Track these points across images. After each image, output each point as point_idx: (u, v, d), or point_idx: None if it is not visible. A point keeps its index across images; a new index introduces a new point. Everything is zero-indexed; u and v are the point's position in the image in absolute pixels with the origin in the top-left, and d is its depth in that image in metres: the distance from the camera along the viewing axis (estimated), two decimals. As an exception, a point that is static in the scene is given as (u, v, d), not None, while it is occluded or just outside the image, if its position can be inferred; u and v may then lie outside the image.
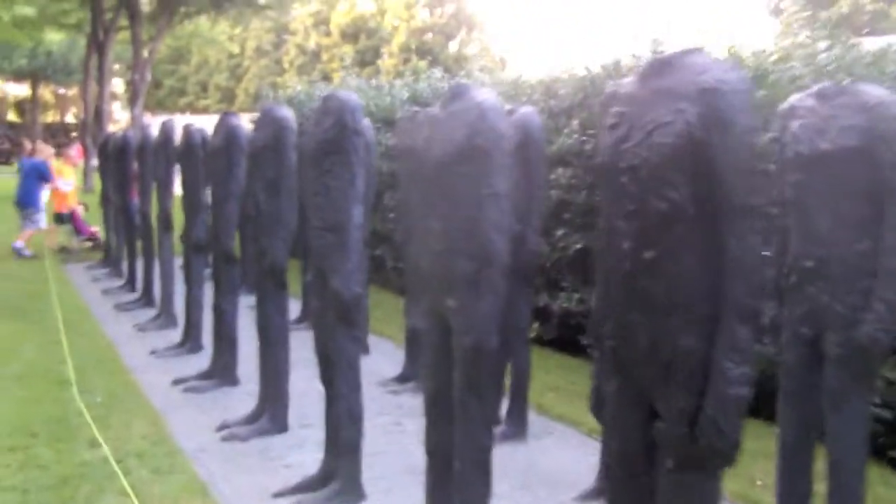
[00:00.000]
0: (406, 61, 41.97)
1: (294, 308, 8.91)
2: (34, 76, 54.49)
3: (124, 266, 13.15)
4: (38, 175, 15.85)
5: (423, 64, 31.26)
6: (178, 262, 10.39)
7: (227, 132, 7.36)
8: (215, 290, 7.80)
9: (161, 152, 9.89)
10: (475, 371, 3.98)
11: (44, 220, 16.18)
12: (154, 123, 12.04)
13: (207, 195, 8.49)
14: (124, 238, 12.94)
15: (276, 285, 6.37)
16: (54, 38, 45.38)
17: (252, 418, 6.62)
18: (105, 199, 14.79)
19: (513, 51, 45.89)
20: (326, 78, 22.03)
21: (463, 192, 3.90)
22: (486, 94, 3.99)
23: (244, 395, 7.37)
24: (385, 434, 6.53)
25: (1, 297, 11.53)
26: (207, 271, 8.98)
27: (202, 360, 8.42)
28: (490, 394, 4.08)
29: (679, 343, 2.80)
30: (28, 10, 29.87)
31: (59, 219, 16.90)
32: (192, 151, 8.60)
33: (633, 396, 3.03)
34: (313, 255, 5.30)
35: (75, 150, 24.81)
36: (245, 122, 9.17)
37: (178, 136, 9.81)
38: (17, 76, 55.34)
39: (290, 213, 6.26)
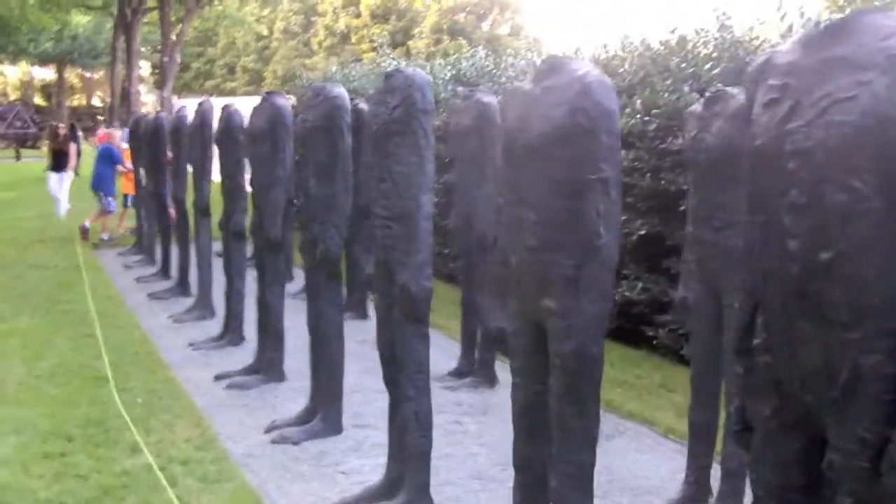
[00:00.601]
0: (438, 42, 41.42)
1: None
2: (60, 60, 54.33)
3: (158, 253, 12.75)
4: (109, 159, 15.54)
5: (462, 43, 30.68)
6: (214, 248, 9.94)
7: (272, 113, 6.89)
8: (259, 280, 7.35)
9: (198, 135, 9.41)
10: (576, 380, 3.51)
11: (114, 204, 15.82)
12: (180, 106, 11.50)
13: (246, 180, 8.09)
14: (157, 224, 12.48)
15: (328, 276, 5.90)
16: (80, 20, 45.20)
17: (303, 419, 6.18)
18: (136, 184, 14.41)
19: (547, 31, 45.10)
20: (357, 60, 21.52)
21: (563, 178, 3.41)
22: (587, 67, 3.50)
23: (292, 393, 6.95)
24: (446, 434, 6.05)
25: (32, 286, 11.10)
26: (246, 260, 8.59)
27: (244, 354, 8.00)
28: (592, 404, 3.59)
29: (861, 361, 2.29)
30: (55, -8, 29.63)
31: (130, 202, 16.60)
32: (231, 134, 8.13)
33: (795, 421, 2.53)
34: (377, 246, 4.83)
35: (100, 133, 24.47)
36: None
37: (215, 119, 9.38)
38: (43, 60, 55.15)
39: (344, 198, 5.79)
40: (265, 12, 48.13)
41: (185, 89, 55.20)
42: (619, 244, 3.50)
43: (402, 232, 4.59)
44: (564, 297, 3.45)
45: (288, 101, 7.10)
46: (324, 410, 6.05)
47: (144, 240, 13.63)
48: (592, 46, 9.87)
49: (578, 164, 3.38)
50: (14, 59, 55.27)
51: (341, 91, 5.83)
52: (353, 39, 47.69)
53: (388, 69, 4.85)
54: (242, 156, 8.20)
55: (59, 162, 17.87)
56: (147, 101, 48.57)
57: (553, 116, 3.42)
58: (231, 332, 8.45)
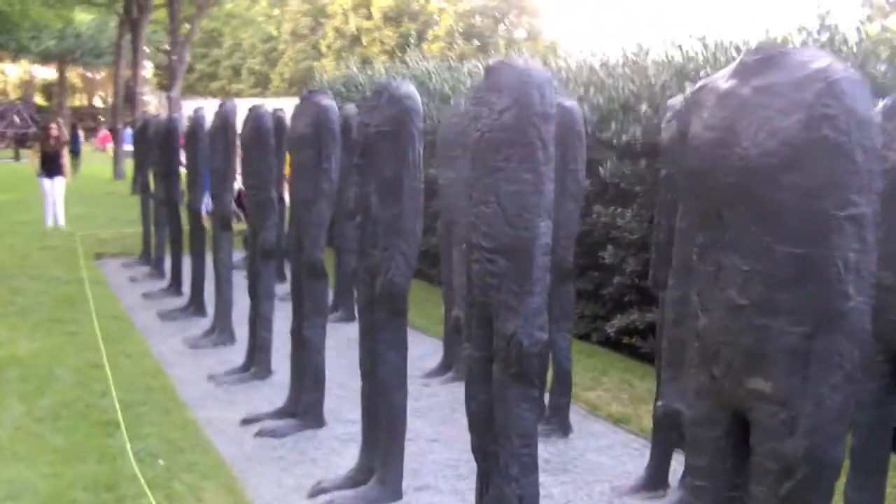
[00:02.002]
0: (452, 45, 40.36)
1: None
2: (62, 58, 53.23)
3: (167, 265, 11.74)
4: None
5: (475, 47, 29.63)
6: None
7: (317, 115, 5.91)
8: (296, 310, 6.34)
9: (220, 139, 8.38)
10: (799, 493, 2.48)
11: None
12: (197, 107, 10.44)
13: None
14: (168, 235, 11.44)
15: (391, 313, 4.87)
16: (84, 18, 44.16)
17: (355, 479, 5.17)
18: (143, 190, 13.40)
19: (563, 36, 43.86)
20: (366, 62, 20.53)
21: (794, 213, 2.39)
22: (825, 58, 2.47)
23: (335, 442, 5.98)
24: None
25: (32, 302, 10.05)
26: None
27: (272, 391, 7.02)
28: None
29: None
30: (58, -12, 28.61)
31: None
32: (261, 138, 7.11)
33: None
34: (474, 285, 3.80)
35: (101, 135, 23.51)
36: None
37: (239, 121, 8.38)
38: (45, 58, 54.06)
39: (413, 220, 4.76)
40: (274, 12, 47.03)
41: (188, 91, 54.11)
42: (871, 305, 2.47)
43: (511, 269, 3.59)
44: (787, 378, 2.44)
45: (333, 103, 6.08)
46: (382, 471, 5.01)
47: (153, 251, 12.57)
48: (661, 44, 8.80)
49: (819, 195, 2.36)
50: (15, 57, 54.23)
51: (411, 90, 4.81)
52: (365, 42, 46.61)
53: (490, 61, 3.82)
54: (273, 163, 7.20)
55: (50, 167, 16.70)
56: (150, 102, 47.52)
57: (780, 128, 2.40)
58: (257, 365, 7.42)
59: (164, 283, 11.60)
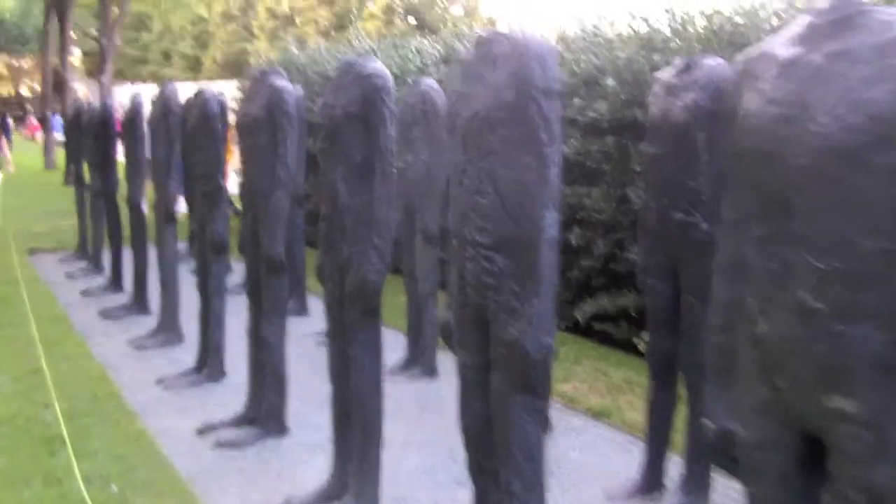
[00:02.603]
0: (389, 23, 39.68)
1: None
2: (-14, 46, 51.70)
3: (105, 260, 11.17)
4: None
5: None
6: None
7: (270, 97, 5.44)
8: (253, 309, 5.87)
9: (161, 126, 7.85)
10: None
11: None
12: (135, 93, 9.85)
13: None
14: (106, 228, 10.84)
15: (364, 313, 4.44)
16: (6, 4, 42.87)
17: (328, 494, 4.74)
18: (77, 181, 12.74)
19: (501, 12, 43.26)
20: (301, 42, 19.89)
21: (883, 200, 2.01)
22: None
23: (300, 450, 5.53)
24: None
25: (-37, 304, 9.47)
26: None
27: (228, 394, 6.56)
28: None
29: None
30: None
31: None
32: (208, 124, 6.63)
33: None
34: (467, 285, 3.38)
35: (31, 124, 22.67)
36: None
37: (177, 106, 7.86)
38: (-32, 47, 52.48)
39: (387, 210, 4.33)
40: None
41: (118, 76, 52.80)
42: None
43: (512, 267, 3.17)
44: (873, 395, 2.07)
45: (288, 84, 5.61)
46: (358, 485, 4.58)
47: (91, 245, 11.95)
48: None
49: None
50: (-64, 45, 52.65)
51: (379, 67, 4.37)
52: (299, 22, 45.68)
53: (482, 33, 3.38)
54: (223, 151, 6.72)
55: None
56: (79, 90, 46.28)
57: (866, 101, 2.01)
58: (210, 366, 6.94)
59: (104, 279, 11.04)
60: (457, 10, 43.39)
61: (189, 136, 6.89)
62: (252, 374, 5.95)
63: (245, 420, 5.90)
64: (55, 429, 5.74)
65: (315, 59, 13.99)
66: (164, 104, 7.85)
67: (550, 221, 3.11)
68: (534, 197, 3.10)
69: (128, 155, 9.21)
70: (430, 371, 7.20)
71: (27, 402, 6.28)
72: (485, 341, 3.36)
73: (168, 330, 8.08)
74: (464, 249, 3.32)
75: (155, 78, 50.40)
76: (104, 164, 10.48)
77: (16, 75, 67.21)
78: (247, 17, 51.20)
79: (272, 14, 48.23)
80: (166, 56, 57.51)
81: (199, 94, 6.86)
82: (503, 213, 3.16)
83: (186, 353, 7.62)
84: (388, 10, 42.01)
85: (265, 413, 5.74)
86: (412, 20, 39.42)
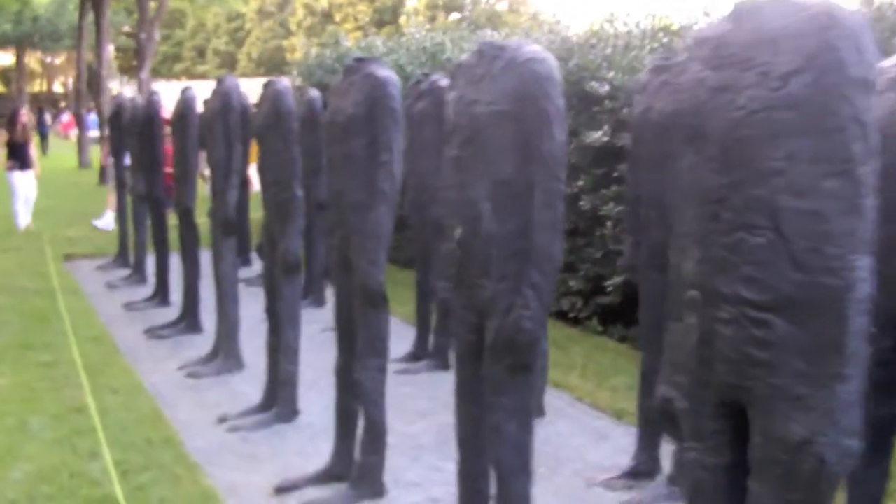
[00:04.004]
0: (433, 19, 38.61)
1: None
2: (20, 43, 51.03)
3: (148, 268, 10.26)
4: None
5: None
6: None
7: (371, 92, 4.49)
8: (343, 345, 4.89)
9: (219, 124, 6.87)
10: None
11: None
12: (186, 87, 8.85)
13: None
14: (150, 235, 9.88)
15: (515, 369, 3.43)
16: (41, 0, 42.23)
17: None
18: (119, 184, 11.83)
19: (547, 5, 41.86)
20: (326, 44, 18.80)
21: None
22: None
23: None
24: None
25: (0, 322, 8.49)
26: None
27: (303, 439, 5.67)
28: None
29: None
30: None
31: None
32: (281, 123, 5.70)
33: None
34: (717, 357, 2.36)
35: (64, 121, 21.81)
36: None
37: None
38: (2, 43, 51.84)
39: (552, 238, 3.33)
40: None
41: (151, 73, 52.23)
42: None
43: (799, 336, 2.19)
44: None
45: (391, 71, 4.62)
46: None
47: (133, 252, 11.01)
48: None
49: None
50: (-29, 42, 52.16)
51: (540, 52, 3.37)
52: (337, 18, 44.69)
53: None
54: (298, 154, 5.76)
55: (21, 159, 14.55)
56: (113, 87, 45.62)
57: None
58: (280, 404, 5.96)
59: (147, 289, 10.10)
60: (501, 6, 42.30)
61: (258, 136, 5.90)
62: (339, 422, 4.97)
63: (331, 476, 4.93)
64: (106, 487, 4.77)
65: (382, 51, 12.91)
66: (223, 99, 6.87)
67: (863, 273, 2.09)
68: (838, 237, 2.09)
69: (177, 155, 8.22)
70: (444, 362, 7.13)
71: (71, 452, 5.30)
72: (736, 437, 2.35)
73: (226, 356, 7.11)
74: (715, 307, 2.31)
75: (188, 75, 49.72)
76: (149, 164, 9.53)
77: (49, 72, 66.82)
78: (283, 14, 50.38)
79: (310, 10, 47.31)
80: (200, 53, 56.76)
81: (269, 86, 5.88)
82: (788, 259, 2.15)
83: (248, 384, 6.70)
84: (432, 6, 40.97)
85: (358, 473, 4.74)
86: (456, 15, 38.38)
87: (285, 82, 5.85)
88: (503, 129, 3.31)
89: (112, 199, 14.19)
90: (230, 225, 6.94)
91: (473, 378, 3.62)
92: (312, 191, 8.63)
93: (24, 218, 14.56)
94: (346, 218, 4.57)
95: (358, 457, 4.76)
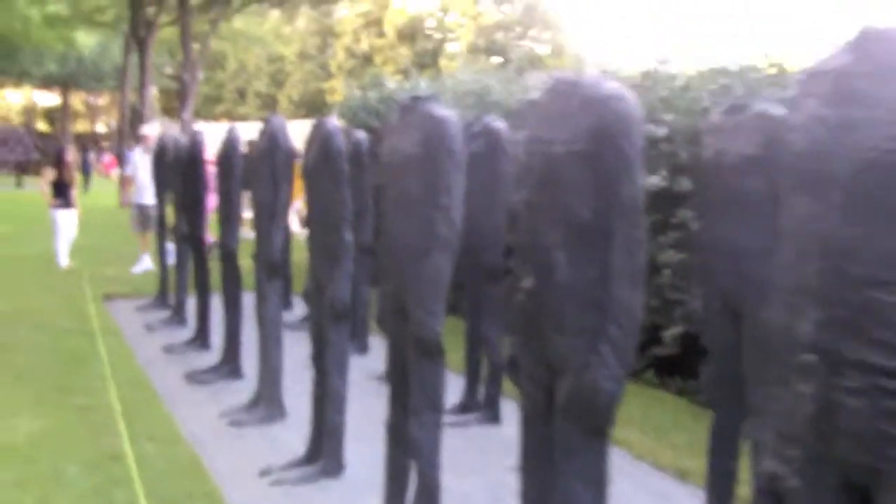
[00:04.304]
0: (473, 63, 38.62)
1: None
2: (65, 83, 51.70)
3: (188, 309, 10.07)
4: None
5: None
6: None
7: (431, 132, 4.27)
8: (395, 399, 4.63)
9: (266, 164, 6.67)
10: None
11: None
12: (230, 126, 8.66)
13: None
14: (191, 276, 9.70)
15: (589, 432, 3.16)
16: (86, 41, 42.71)
17: None
18: (160, 223, 11.69)
19: (588, 50, 41.75)
20: (371, 84, 18.63)
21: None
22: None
23: None
24: None
25: (33, 363, 8.28)
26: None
27: (349, 493, 5.42)
28: None
29: None
30: (60, 8, 27.02)
31: None
32: (331, 164, 5.47)
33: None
34: (840, 430, 2.08)
35: (106, 160, 21.83)
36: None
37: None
38: (47, 83, 52.58)
39: (631, 290, 3.07)
40: (285, 29, 45.23)
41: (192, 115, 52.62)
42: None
43: None
44: None
45: (450, 111, 4.39)
46: None
47: (174, 294, 10.83)
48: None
49: None
50: (17, 82, 52.74)
51: (618, 89, 3.12)
52: (378, 61, 44.80)
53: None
54: (348, 196, 5.53)
55: (65, 196, 14.57)
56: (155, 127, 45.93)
57: None
58: (327, 457, 5.70)
59: (187, 331, 9.90)
60: (543, 49, 42.22)
61: (306, 177, 5.69)
62: (390, 480, 4.70)
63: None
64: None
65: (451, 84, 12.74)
66: (270, 139, 6.68)
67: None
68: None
69: (222, 195, 8.04)
70: (494, 415, 6.96)
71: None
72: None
73: (268, 403, 6.86)
74: (839, 375, 2.03)
75: (229, 116, 49.99)
76: (192, 204, 9.37)
77: (93, 112, 67.52)
78: (324, 56, 50.61)
79: (350, 53, 47.53)
80: (241, 94, 57.14)
81: (319, 127, 5.67)
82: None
83: (290, 433, 6.46)
84: (472, 49, 40.96)
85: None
86: (497, 59, 38.33)
87: (335, 122, 5.64)
88: (580, 172, 3.06)
89: (143, 241, 14.12)
90: (275, 267, 6.73)
91: (541, 440, 3.35)
92: (357, 234, 8.35)
93: (64, 257, 14.49)
94: (401, 264, 4.33)
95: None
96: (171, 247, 14.07)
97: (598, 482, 3.18)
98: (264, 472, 5.70)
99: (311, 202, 5.67)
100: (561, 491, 3.20)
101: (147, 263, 14.10)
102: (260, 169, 6.70)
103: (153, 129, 14.46)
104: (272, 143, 6.66)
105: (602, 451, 3.18)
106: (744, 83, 7.43)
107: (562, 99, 3.20)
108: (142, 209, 14.01)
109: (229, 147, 7.85)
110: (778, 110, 4.39)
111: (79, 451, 5.94)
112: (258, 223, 6.83)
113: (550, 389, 3.25)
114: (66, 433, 6.31)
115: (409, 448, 4.42)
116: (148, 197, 13.57)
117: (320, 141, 5.54)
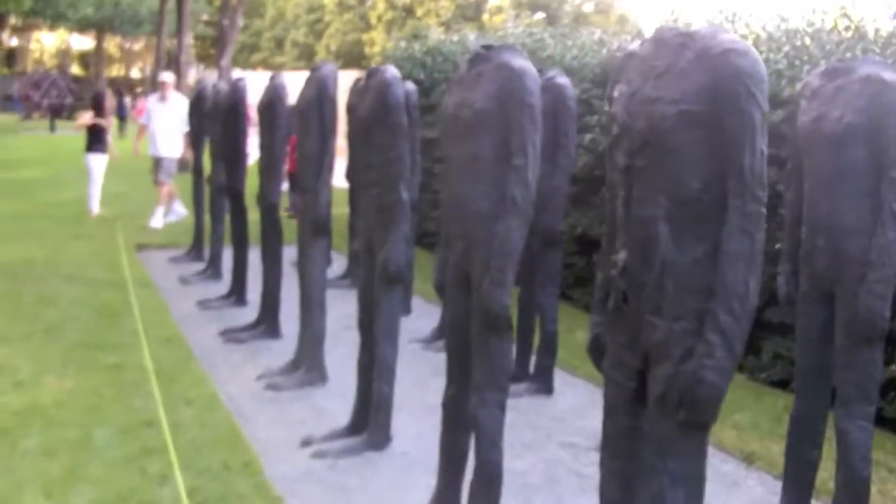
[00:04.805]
0: (517, 18, 37.94)
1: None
2: (100, 27, 51.34)
3: (224, 263, 9.78)
4: None
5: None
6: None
7: (503, 85, 3.86)
8: (455, 376, 4.26)
9: (314, 114, 6.30)
10: None
11: None
12: (274, 73, 8.24)
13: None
14: (228, 229, 9.35)
15: (688, 429, 2.78)
16: (123, -15, 42.50)
17: None
18: (196, 173, 11.36)
19: (634, 7, 40.85)
20: (416, 36, 18.20)
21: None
22: None
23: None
24: None
25: (64, 316, 8.01)
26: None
27: (396, 465, 5.13)
28: None
29: None
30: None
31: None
32: (389, 116, 5.10)
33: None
34: None
35: (140, 106, 21.47)
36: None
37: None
38: (82, 27, 52.19)
39: (746, 273, 2.67)
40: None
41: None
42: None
43: None
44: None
45: (528, 62, 3.99)
46: None
47: (209, 246, 10.52)
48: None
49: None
50: (52, 25, 52.46)
51: (743, 43, 2.72)
52: (419, 13, 44.12)
53: None
54: (406, 152, 5.16)
55: (101, 141, 14.33)
56: (189, 75, 45.53)
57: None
58: (372, 430, 5.36)
59: (222, 286, 9.59)
60: (588, 7, 41.41)
61: (360, 131, 5.31)
62: (446, 461, 4.35)
63: None
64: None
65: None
66: (319, 87, 6.30)
67: None
68: None
69: (264, 146, 7.67)
70: (548, 387, 6.69)
71: (140, 475, 4.75)
72: None
73: (309, 367, 6.54)
74: None
75: (266, 65, 49.57)
76: (231, 154, 8.99)
77: (128, 57, 67.29)
78: (364, 7, 49.97)
79: (391, 4, 46.84)
80: (279, 44, 56.65)
81: (374, 75, 5.29)
82: None
83: (332, 400, 6.17)
84: (516, 4, 40.24)
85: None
86: (540, 15, 37.63)
87: (394, 71, 5.24)
88: (693, 136, 2.67)
89: (164, 193, 13.75)
90: (321, 225, 6.38)
91: (629, 432, 2.98)
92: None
93: (96, 203, 14.23)
94: (467, 229, 3.95)
95: (467, 502, 4.15)
96: (177, 204, 13.86)
97: (694, 483, 2.83)
98: (305, 442, 5.39)
99: (363, 157, 5.29)
100: (650, 490, 2.84)
101: (158, 219, 13.72)
102: (308, 120, 6.33)
103: (170, 77, 14.01)
104: (321, 93, 6.29)
105: (701, 450, 2.82)
106: (817, 45, 6.99)
107: (669, 51, 2.80)
108: (156, 161, 13.65)
109: (273, 95, 7.46)
110: (889, 73, 3.98)
111: (109, 415, 5.65)
112: (302, 178, 6.47)
113: (642, 377, 2.89)
114: (96, 394, 6.02)
115: (472, 429, 4.07)
116: (163, 148, 13.28)
117: (376, 91, 5.15)
